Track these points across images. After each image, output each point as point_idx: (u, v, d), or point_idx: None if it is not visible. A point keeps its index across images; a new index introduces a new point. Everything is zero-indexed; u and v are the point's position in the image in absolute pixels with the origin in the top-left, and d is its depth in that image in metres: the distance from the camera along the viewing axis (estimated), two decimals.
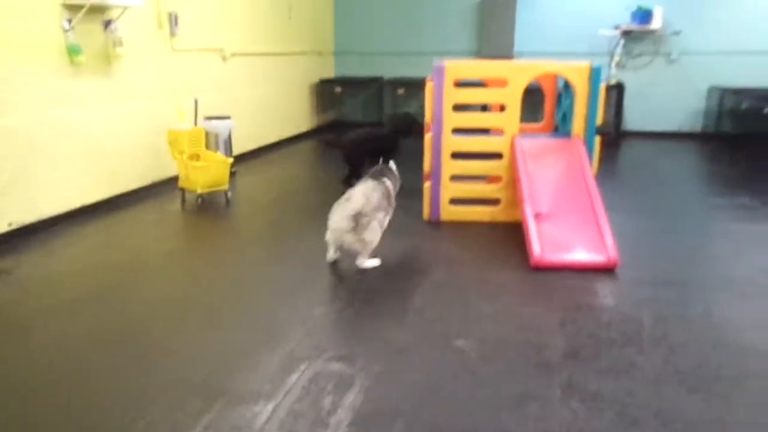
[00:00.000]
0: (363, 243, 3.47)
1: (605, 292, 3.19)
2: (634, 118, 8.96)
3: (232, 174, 6.12)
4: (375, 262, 3.58)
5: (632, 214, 4.75)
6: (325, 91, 9.15)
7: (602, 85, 4.18)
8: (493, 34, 9.07)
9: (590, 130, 4.25)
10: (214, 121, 6.02)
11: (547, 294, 3.18)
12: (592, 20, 8.74)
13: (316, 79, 9.05)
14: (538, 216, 3.84)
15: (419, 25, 9.45)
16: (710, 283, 3.33)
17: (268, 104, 7.60)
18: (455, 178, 4.49)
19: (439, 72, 4.22)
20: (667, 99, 8.80)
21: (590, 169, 4.06)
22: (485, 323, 2.82)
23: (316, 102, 9.13)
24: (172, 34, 5.46)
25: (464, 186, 4.51)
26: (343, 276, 3.44)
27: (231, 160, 5.08)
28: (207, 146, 6.05)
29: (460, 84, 4.49)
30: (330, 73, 9.73)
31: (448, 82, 4.25)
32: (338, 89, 9.09)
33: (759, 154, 6.75)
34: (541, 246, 3.57)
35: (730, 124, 7.83)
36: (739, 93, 7.51)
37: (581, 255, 3.54)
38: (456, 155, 4.43)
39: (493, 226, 4.38)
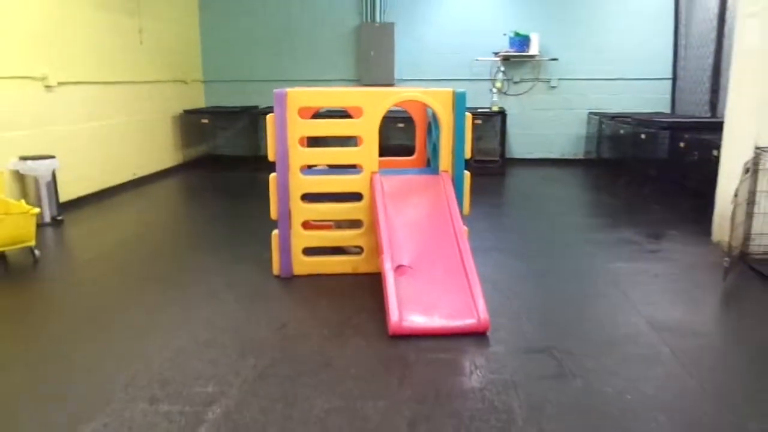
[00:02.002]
0: None
1: (472, 368, 2.58)
2: (518, 145, 8.75)
3: (58, 223, 5.13)
4: None
5: (509, 255, 4.26)
6: (190, 123, 8.24)
7: (469, 114, 3.67)
8: (373, 61, 8.60)
9: (458, 163, 3.72)
10: (30, 162, 5.01)
11: (401, 376, 2.53)
12: (472, 47, 8.49)
13: (179, 110, 8.14)
14: (399, 269, 3.22)
15: (296, 52, 8.82)
16: (591, 344, 2.82)
17: (115, 139, 6.60)
18: (309, 224, 3.81)
19: (280, 100, 3.55)
20: (550, 125, 8.67)
21: (457, 209, 3.50)
22: None
23: (181, 135, 8.20)
24: None
25: (320, 233, 3.83)
26: (141, 370, 2.61)
27: (36, 209, 4.10)
28: (26, 192, 5.07)
29: (318, 115, 3.90)
30: (199, 103, 8.84)
31: (291, 112, 3.58)
32: (205, 120, 8.22)
33: (639, 181, 6.62)
34: (401, 309, 2.94)
35: (610, 149, 7.74)
36: (616, 118, 7.42)
37: (448, 318, 2.93)
38: (308, 197, 3.75)
39: (354, 280, 3.71)
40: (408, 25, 8.55)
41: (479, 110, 8.08)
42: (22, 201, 4.18)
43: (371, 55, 8.59)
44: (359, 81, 8.75)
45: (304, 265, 3.78)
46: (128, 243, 4.68)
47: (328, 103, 3.76)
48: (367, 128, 3.63)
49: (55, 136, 5.56)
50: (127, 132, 6.86)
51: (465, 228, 3.75)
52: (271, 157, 3.63)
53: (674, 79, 8.28)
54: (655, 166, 6.22)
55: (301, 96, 3.58)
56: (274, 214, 3.69)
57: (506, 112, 8.34)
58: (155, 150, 7.53)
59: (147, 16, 7.26)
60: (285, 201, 3.66)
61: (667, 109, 8.34)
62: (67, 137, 5.75)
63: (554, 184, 7.28)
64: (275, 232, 3.72)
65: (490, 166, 8.21)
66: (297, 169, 3.65)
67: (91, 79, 6.14)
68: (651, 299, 3.40)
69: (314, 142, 4.30)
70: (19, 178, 5.04)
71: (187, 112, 8.20)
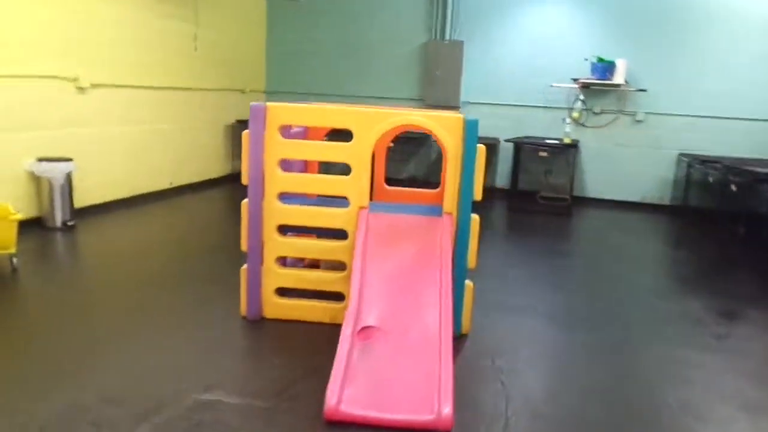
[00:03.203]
0: None
1: None
2: (592, 183, 7.79)
3: (69, 229, 4.94)
4: None
5: (541, 319, 3.50)
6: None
7: (481, 146, 3.00)
8: (438, 80, 8.01)
9: (465, 205, 3.04)
10: (43, 164, 4.85)
11: None
12: (549, 71, 7.69)
13: (232, 119, 7.94)
14: (364, 332, 2.59)
15: (360, 67, 8.42)
16: None
17: (154, 146, 6.43)
18: (285, 260, 3.27)
19: (258, 116, 3.05)
20: (632, 164, 7.64)
21: (449, 261, 2.82)
22: None
23: (232, 145, 8.00)
24: None
25: (295, 272, 3.27)
26: (16, 428, 2.17)
27: (17, 216, 3.86)
28: (40, 194, 4.92)
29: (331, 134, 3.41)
30: None
31: (270, 130, 3.07)
32: None
33: (727, 239, 5.55)
34: (344, 387, 2.31)
35: (699, 198, 6.64)
36: (706, 163, 6.34)
37: (399, 408, 2.26)
38: (285, 229, 3.22)
39: (328, 332, 3.09)
40: (479, 44, 7.89)
41: (548, 141, 7.26)
42: (8, 205, 3.96)
43: (437, 75, 8.01)
44: (423, 101, 8.19)
45: (275, 307, 3.23)
46: (124, 258, 4.35)
47: (313, 122, 3.22)
48: (357, 154, 3.05)
49: (84, 138, 5.42)
50: (170, 139, 6.69)
51: (469, 283, 3.08)
52: (244, 180, 3.14)
53: None
54: (746, 223, 5.15)
55: (282, 112, 3.07)
56: (244, 245, 3.19)
57: (580, 146, 7.46)
58: (201, 159, 7.34)
59: (204, 25, 7.11)
60: (257, 232, 3.15)
61: None
62: (99, 140, 5.61)
63: (628, 231, 6.30)
64: (244, 267, 3.21)
65: (557, 204, 7.34)
66: (273, 195, 3.13)
67: (131, 83, 5.99)
68: (701, 410, 2.54)
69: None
70: (35, 179, 4.90)
71: (240, 122, 7.99)
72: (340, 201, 3.19)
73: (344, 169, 3.07)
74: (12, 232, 3.84)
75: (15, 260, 3.89)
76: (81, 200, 5.34)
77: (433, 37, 8.03)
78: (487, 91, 7.96)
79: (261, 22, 8.59)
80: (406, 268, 2.84)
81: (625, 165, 7.66)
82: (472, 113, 7.98)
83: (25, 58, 4.77)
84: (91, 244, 4.74)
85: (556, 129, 7.60)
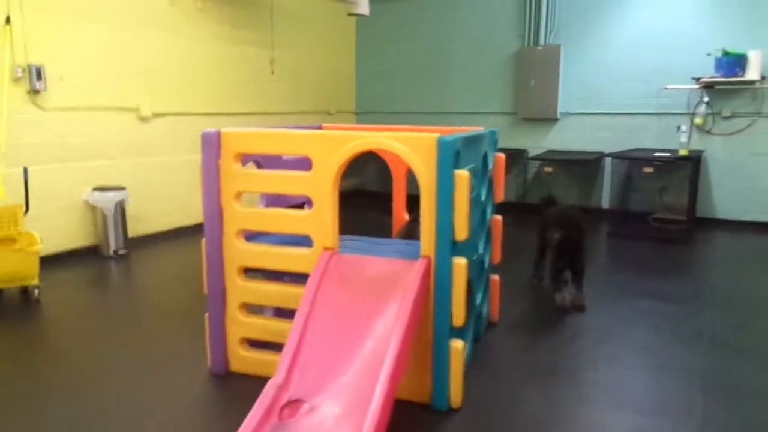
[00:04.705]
0: None
1: None
2: (722, 202, 6.47)
3: (119, 258, 5.00)
4: None
5: (598, 400, 2.70)
6: None
7: (460, 173, 2.35)
8: (533, 91, 7.21)
9: (442, 246, 2.41)
10: (96, 193, 4.96)
11: None
12: (661, 72, 6.57)
13: None
14: (288, 407, 2.09)
15: (451, 82, 7.88)
16: None
17: None
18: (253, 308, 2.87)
19: (211, 144, 2.69)
20: None
21: (405, 319, 2.20)
22: None
23: None
24: (34, 90, 4.50)
25: (261, 321, 2.84)
26: None
27: (38, 245, 3.89)
28: (95, 223, 5.05)
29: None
30: None
31: (226, 160, 2.70)
32: None
33: None
34: None
35: None
36: None
37: None
38: (252, 271, 2.82)
39: None
40: (578, 46, 6.98)
41: (658, 154, 6.13)
42: (35, 235, 4.01)
43: (531, 85, 7.21)
44: (517, 114, 7.43)
45: (242, 361, 2.83)
46: (152, 290, 4.25)
47: (270, 149, 2.77)
48: (318, 185, 2.56)
49: (147, 167, 5.51)
50: None
51: (456, 344, 2.45)
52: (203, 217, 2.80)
53: None
54: None
55: (239, 139, 2.68)
56: (204, 288, 2.83)
57: (706, 157, 6.25)
58: None
59: (282, 47, 7.04)
60: (217, 274, 2.78)
61: None
62: (162, 169, 5.68)
63: None
64: (207, 314, 2.86)
65: (672, 228, 6.17)
66: (233, 233, 2.75)
67: (200, 111, 6.03)
68: None
69: None
70: (91, 208, 5.03)
71: None
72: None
73: None
74: (31, 263, 3.88)
75: (37, 291, 3.92)
76: (145, 228, 5.45)
77: (527, 43, 7.24)
78: (590, 100, 6.99)
79: (350, 42, 8.41)
80: (361, 327, 2.28)
81: (766, 178, 6.25)
82: (573, 125, 7.10)
83: (82, 93, 4.92)
84: (130, 275, 4.71)
85: (673, 138, 6.44)
